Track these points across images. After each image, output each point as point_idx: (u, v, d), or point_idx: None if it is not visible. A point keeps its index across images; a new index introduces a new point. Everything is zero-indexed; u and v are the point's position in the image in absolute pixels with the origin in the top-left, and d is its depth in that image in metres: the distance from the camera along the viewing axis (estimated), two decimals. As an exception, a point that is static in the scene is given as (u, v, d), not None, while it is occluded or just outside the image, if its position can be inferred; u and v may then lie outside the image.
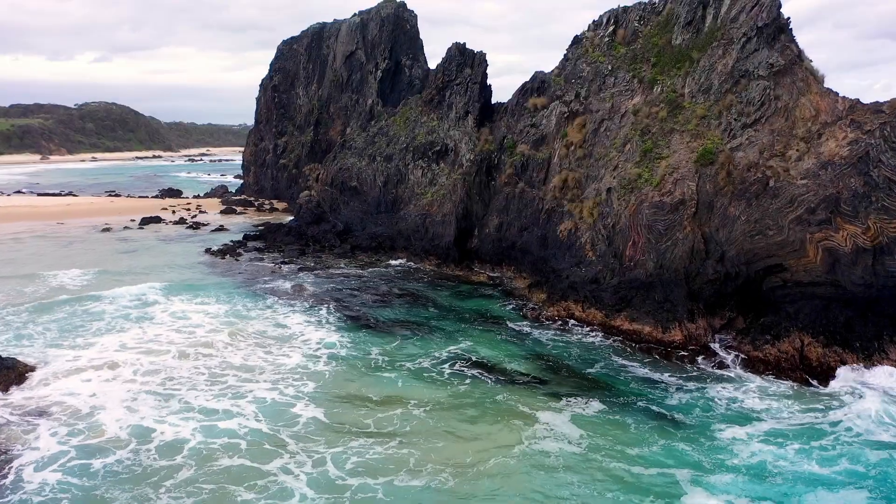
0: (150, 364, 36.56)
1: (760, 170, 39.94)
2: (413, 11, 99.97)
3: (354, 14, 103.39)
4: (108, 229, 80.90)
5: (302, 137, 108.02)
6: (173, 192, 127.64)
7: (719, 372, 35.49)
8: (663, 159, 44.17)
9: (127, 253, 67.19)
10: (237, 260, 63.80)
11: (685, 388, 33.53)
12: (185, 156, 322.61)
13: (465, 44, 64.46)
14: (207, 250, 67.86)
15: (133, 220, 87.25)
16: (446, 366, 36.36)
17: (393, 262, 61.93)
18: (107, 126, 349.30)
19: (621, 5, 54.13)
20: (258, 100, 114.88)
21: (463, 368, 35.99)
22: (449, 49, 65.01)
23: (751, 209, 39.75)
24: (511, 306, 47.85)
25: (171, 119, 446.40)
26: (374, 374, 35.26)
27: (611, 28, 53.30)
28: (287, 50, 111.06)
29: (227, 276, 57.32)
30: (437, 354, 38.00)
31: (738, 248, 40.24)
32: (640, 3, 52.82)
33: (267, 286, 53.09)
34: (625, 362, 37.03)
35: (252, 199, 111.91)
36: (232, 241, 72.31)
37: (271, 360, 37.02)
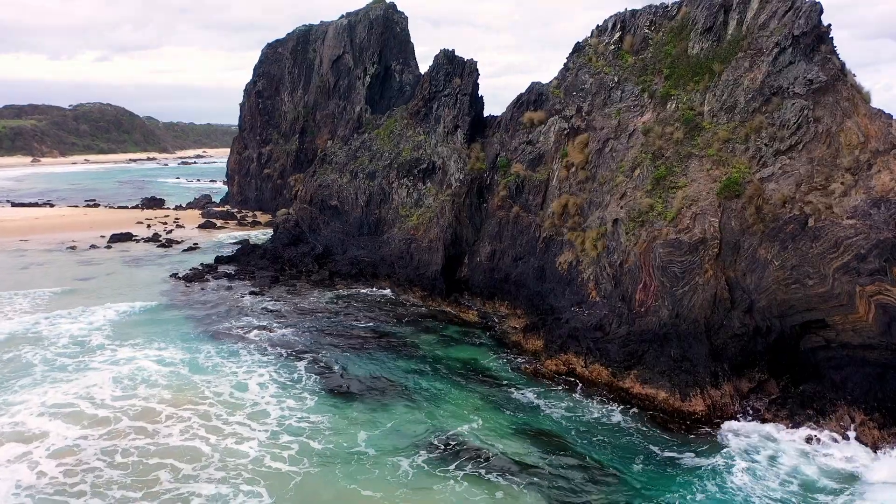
0: (68, 440, 29.89)
1: (797, 206, 33.17)
2: (403, 13, 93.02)
3: (342, 15, 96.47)
4: (73, 248, 74.07)
5: (287, 146, 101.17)
6: (155, 202, 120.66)
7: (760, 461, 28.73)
8: (679, 189, 37.39)
9: (85, 280, 60.36)
10: (203, 288, 57.05)
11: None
12: (180, 158, 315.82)
13: (453, 51, 57.59)
14: (174, 275, 61.10)
15: (103, 237, 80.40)
16: (445, 462, 28.99)
17: (375, 293, 55.17)
18: (101, 127, 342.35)
19: (629, 8, 47.27)
20: (242, 106, 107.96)
21: (464, 463, 28.61)
22: (436, 56, 58.09)
23: (786, 253, 32.99)
24: (504, 358, 40.95)
25: (171, 119, 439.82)
26: (353, 481, 27.18)
27: (617, 34, 46.43)
28: (271, 53, 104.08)
29: (189, 310, 50.55)
30: (427, 440, 30.26)
31: (770, 298, 33.48)
32: (650, 6, 45.98)
33: (231, 327, 46.25)
34: (640, 445, 30.22)
35: (235, 210, 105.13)
36: (202, 264, 65.49)
37: (222, 446, 29.74)
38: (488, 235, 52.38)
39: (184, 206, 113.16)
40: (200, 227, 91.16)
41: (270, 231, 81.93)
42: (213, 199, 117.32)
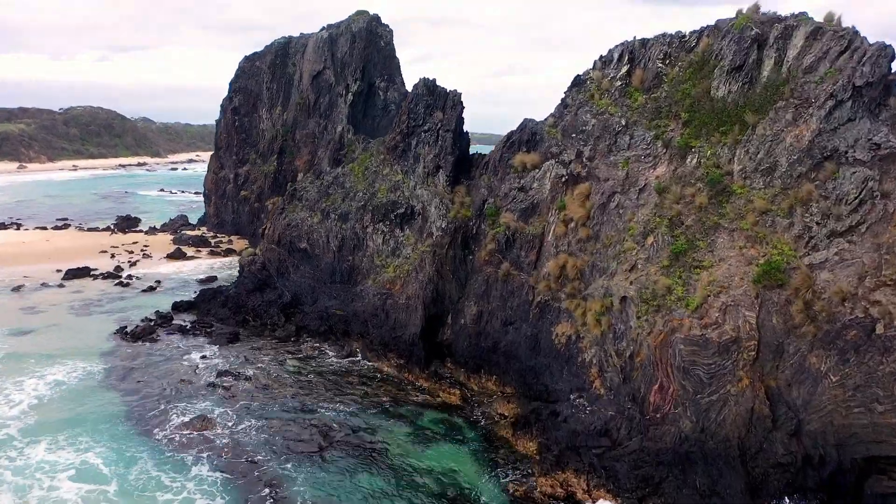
0: None
1: (861, 305, 25.75)
2: (388, 27, 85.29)
3: (322, 28, 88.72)
4: (19, 288, 66.43)
5: (265, 167, 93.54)
6: (130, 222, 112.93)
7: None
8: (704, 269, 29.94)
9: (21, 334, 52.82)
10: (151, 350, 49.57)
11: None
12: (172, 163, 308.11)
13: (434, 80, 49.88)
14: (121, 330, 53.52)
15: (59, 271, 72.76)
16: None
17: (343, 363, 47.70)
18: (92, 131, 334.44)
19: (638, 37, 39.61)
20: (218, 123, 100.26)
21: None
22: (415, 86, 50.40)
23: (847, 367, 25.58)
24: (491, 468, 33.45)
25: (170, 119, 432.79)
26: None
27: (624, 68, 38.80)
28: (249, 68, 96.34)
29: (130, 384, 43.11)
30: None
31: (825, 420, 26.10)
32: (663, 34, 38.36)
33: (174, 419, 38.55)
34: None
35: (210, 234, 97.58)
36: (157, 313, 57.97)
37: None
38: (474, 294, 44.90)
39: (158, 228, 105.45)
40: (169, 256, 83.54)
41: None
42: (191, 221, 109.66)
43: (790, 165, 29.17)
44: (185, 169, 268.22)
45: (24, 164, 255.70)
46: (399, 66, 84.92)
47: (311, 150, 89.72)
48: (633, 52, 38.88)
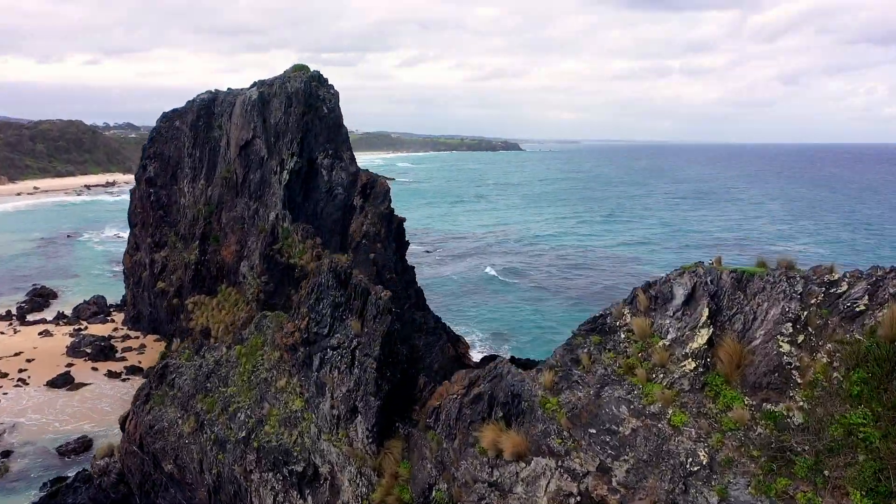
0: None
1: None
2: (332, 88, 64.68)
3: (253, 84, 68.19)
4: None
5: (186, 254, 73.03)
6: (42, 300, 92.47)
7: None
8: None
9: None
10: None
11: None
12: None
13: (349, 270, 29.55)
14: None
15: None
16: None
17: None
18: (60, 147, 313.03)
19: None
20: (132, 194, 79.56)
21: None
22: (318, 267, 30.40)
23: None
24: None
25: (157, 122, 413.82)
26: None
27: (704, 332, 18.48)
28: (167, 129, 75.64)
29: None
30: None
31: None
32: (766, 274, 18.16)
33: None
34: None
35: (122, 334, 77.19)
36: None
37: None
38: None
39: (68, 315, 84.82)
40: (50, 384, 62.97)
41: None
42: (114, 297, 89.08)
43: None
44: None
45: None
46: (347, 139, 64.41)
47: (239, 239, 69.36)
48: (717, 291, 18.57)
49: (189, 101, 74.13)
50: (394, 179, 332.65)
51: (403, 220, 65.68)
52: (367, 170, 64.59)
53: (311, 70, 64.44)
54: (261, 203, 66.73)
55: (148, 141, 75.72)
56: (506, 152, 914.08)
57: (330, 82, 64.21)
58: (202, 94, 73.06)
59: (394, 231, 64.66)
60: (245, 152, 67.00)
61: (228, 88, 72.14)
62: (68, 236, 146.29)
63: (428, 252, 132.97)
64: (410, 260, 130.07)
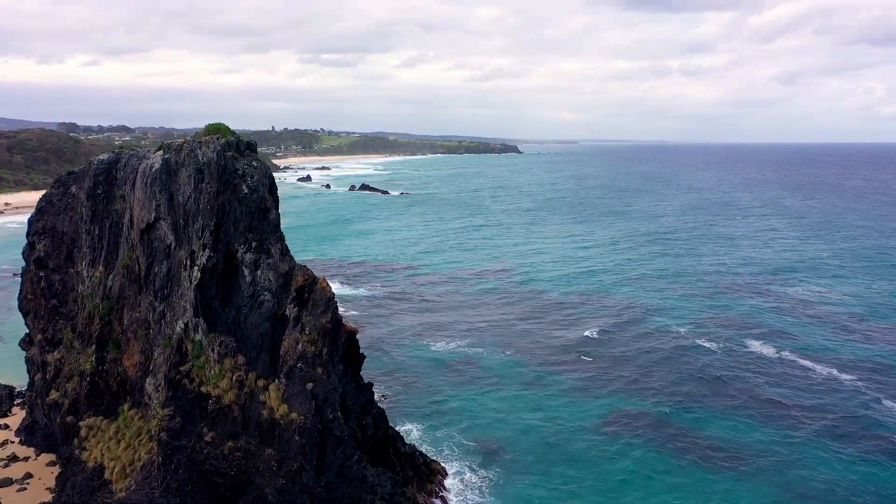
0: None
1: None
2: (255, 160, 47.42)
3: (160, 148, 51.13)
4: None
5: (83, 358, 56.20)
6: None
7: None
8: None
9: None
10: None
11: None
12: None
13: None
14: None
15: None
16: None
17: None
18: (39, 157, 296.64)
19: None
20: (22, 276, 62.46)
21: None
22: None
23: None
24: None
25: (155, 124, 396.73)
26: None
27: None
28: (59, 197, 58.63)
29: None
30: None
31: None
32: None
33: None
34: None
35: (11, 452, 60.28)
36: None
37: None
38: None
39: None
40: None
41: None
42: (12, 398, 71.97)
43: None
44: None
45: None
46: (277, 226, 47.30)
47: (143, 348, 52.55)
48: None
49: (90, 162, 57.14)
50: (388, 193, 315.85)
51: (355, 332, 48.77)
52: (304, 266, 47.62)
53: (230, 135, 47.27)
54: (168, 305, 49.87)
55: (35, 212, 58.56)
56: (505, 154, 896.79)
57: (252, 151, 47.08)
58: (102, 155, 56.07)
59: (341, 349, 47.76)
60: (148, 238, 50.10)
61: (133, 150, 55.08)
62: (14, 274, 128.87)
63: (415, 298, 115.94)
64: (392, 307, 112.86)
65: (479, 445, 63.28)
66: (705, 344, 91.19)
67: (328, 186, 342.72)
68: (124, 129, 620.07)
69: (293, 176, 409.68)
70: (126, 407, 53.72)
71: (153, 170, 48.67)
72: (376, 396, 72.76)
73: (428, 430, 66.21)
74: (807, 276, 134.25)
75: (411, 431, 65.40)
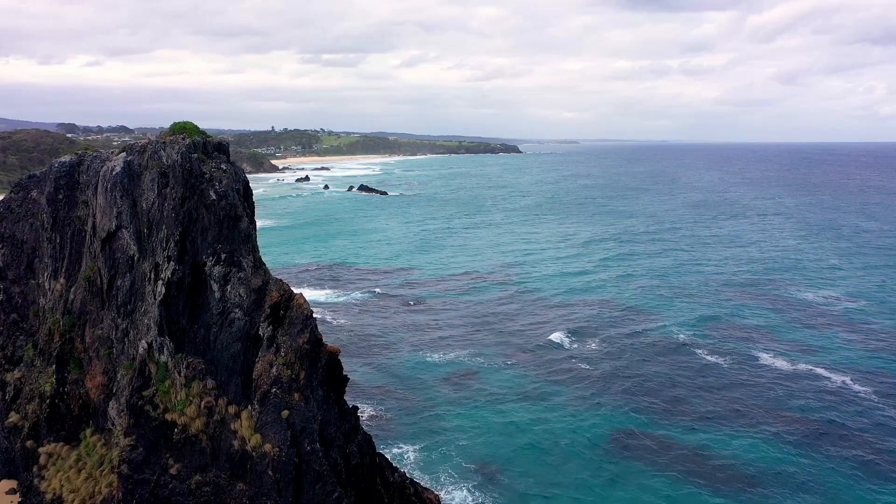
0: None
1: None
2: (225, 162, 42.44)
3: (121, 148, 46.22)
4: None
5: (44, 379, 51.36)
6: None
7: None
8: None
9: None
10: None
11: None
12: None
13: None
14: None
15: None
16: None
17: None
18: (33, 158, 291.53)
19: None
20: (-19, 287, 57.56)
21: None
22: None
23: None
24: None
25: (154, 124, 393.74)
26: None
27: None
28: (19, 203, 53.73)
29: None
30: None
31: None
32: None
33: None
34: None
35: (-34, 479, 55.37)
36: None
37: None
38: None
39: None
40: None
41: None
42: None
43: None
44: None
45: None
46: (250, 236, 42.34)
47: (106, 368, 47.69)
48: None
49: (50, 165, 52.28)
50: (386, 194, 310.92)
51: (337, 352, 43.88)
52: (280, 280, 42.72)
53: (197, 135, 42.36)
54: (131, 322, 45.03)
55: (-8, 219, 53.70)
56: (505, 154, 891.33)
57: (222, 153, 42.18)
58: (63, 157, 51.18)
59: (321, 372, 42.86)
60: (110, 248, 45.23)
61: (97, 153, 50.21)
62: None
63: (410, 304, 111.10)
64: (386, 313, 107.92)
65: (476, 467, 58.48)
66: (708, 354, 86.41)
67: (326, 187, 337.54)
68: (124, 130, 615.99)
69: (292, 176, 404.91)
70: (89, 432, 48.90)
71: (114, 173, 43.81)
72: (368, 414, 68.07)
73: (423, 451, 61.35)
74: (807, 277, 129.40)
75: (406, 454, 60.57)
